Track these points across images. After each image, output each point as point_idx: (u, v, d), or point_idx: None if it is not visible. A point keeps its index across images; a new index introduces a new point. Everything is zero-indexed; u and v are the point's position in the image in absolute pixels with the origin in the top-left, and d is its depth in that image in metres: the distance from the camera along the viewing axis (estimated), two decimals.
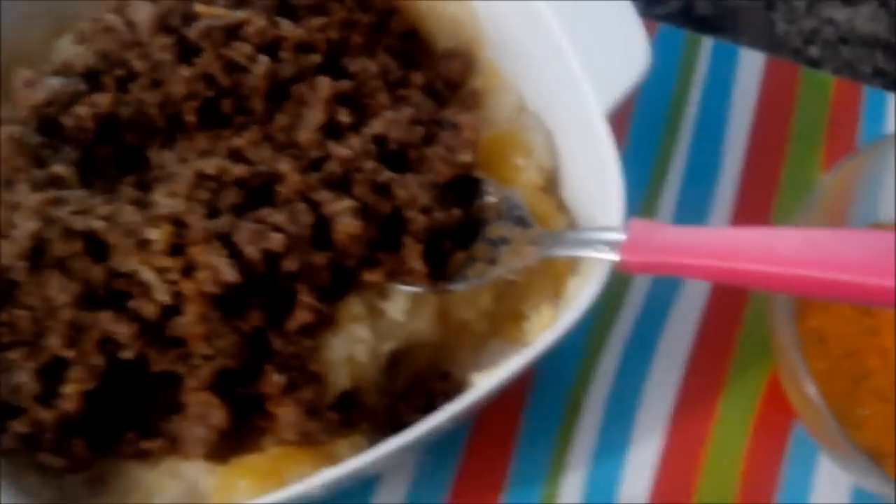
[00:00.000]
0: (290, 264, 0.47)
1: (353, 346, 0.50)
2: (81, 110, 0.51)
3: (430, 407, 0.50)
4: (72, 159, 0.51)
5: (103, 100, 0.51)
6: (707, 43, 0.69)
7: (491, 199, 0.52)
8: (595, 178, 0.50)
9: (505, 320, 0.56)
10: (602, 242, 0.46)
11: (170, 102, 0.52)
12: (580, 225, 0.54)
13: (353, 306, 0.50)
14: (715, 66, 0.68)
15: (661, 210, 0.64)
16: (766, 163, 0.65)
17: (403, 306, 0.51)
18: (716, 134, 0.66)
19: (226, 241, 0.47)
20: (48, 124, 0.51)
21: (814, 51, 0.71)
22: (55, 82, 0.52)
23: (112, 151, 0.52)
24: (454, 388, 0.53)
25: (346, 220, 0.48)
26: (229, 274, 0.46)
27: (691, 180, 0.65)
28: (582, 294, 0.46)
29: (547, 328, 0.50)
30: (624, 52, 0.50)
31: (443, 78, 0.57)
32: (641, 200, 0.64)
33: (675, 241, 0.43)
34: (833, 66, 0.70)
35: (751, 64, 0.68)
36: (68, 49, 0.56)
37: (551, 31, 0.51)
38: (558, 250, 0.49)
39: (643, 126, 0.66)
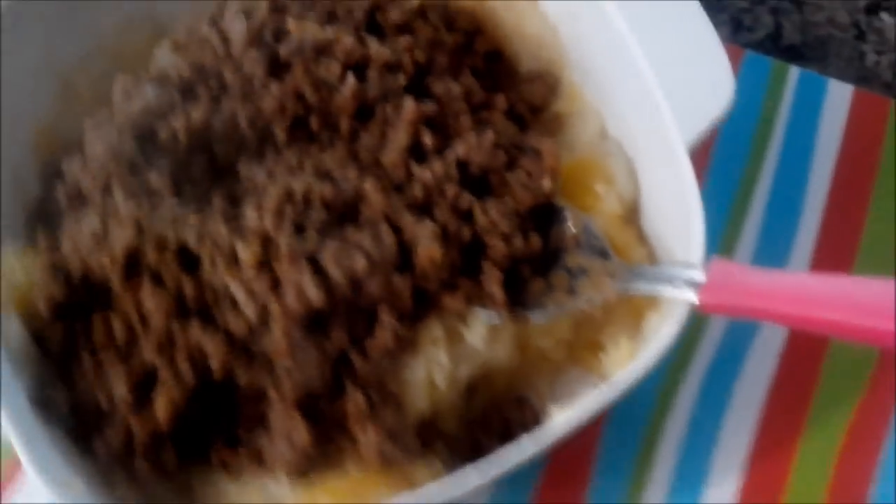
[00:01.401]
0: (372, 287, 0.48)
1: (432, 369, 0.50)
2: (176, 122, 0.52)
3: (507, 433, 0.50)
4: (164, 168, 0.52)
5: (197, 113, 0.52)
6: (794, 72, 0.67)
7: (570, 227, 0.52)
8: (675, 211, 0.49)
9: (583, 350, 0.55)
10: (681, 280, 0.45)
11: (260, 117, 0.52)
12: (659, 258, 0.53)
13: (433, 329, 0.50)
14: (801, 96, 0.66)
15: (740, 245, 0.62)
16: (851, 199, 0.63)
17: (483, 332, 0.51)
18: (800, 168, 0.64)
19: (311, 261, 0.47)
20: (142, 133, 0.52)
21: None
22: (150, 92, 0.53)
23: (203, 162, 0.53)
24: (531, 416, 0.53)
25: (427, 245, 0.48)
26: (314, 295, 0.46)
27: (773, 215, 0.63)
28: (662, 332, 0.46)
29: (625, 361, 0.49)
30: (709, 84, 0.49)
31: (525, 101, 0.57)
32: (721, 235, 0.62)
33: (754, 284, 0.43)
34: None
35: (838, 96, 0.66)
36: (166, 57, 0.56)
37: (634, 57, 0.50)
38: (637, 285, 0.48)
39: (726, 157, 0.64)
